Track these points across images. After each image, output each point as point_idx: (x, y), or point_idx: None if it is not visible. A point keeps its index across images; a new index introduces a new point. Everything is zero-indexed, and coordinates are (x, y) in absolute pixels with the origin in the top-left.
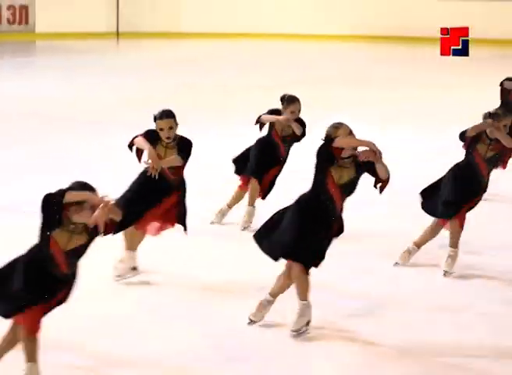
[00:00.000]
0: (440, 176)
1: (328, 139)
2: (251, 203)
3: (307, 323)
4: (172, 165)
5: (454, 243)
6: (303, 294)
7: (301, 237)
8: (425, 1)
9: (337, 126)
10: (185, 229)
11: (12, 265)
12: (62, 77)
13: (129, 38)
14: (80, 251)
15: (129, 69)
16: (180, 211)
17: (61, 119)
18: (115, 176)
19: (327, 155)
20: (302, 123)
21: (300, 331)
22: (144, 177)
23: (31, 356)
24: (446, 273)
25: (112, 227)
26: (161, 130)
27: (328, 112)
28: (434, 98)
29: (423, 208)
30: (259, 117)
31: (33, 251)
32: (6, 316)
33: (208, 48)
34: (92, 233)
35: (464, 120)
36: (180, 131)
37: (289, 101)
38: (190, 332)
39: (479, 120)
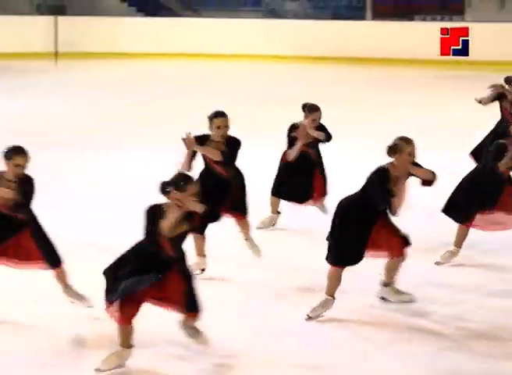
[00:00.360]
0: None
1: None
2: (273, 212)
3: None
4: (209, 155)
5: (459, 242)
6: (330, 290)
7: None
8: (362, 23)
9: (409, 141)
10: (244, 213)
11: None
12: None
13: (67, 58)
14: (183, 237)
15: (70, 89)
16: (240, 200)
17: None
18: (60, 201)
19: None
20: (322, 128)
21: (314, 318)
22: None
23: (123, 341)
24: (438, 263)
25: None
26: (218, 127)
27: (278, 133)
28: (388, 117)
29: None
30: (285, 154)
31: (143, 240)
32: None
33: (148, 68)
34: (190, 222)
35: (424, 140)
36: (128, 150)
37: (311, 109)
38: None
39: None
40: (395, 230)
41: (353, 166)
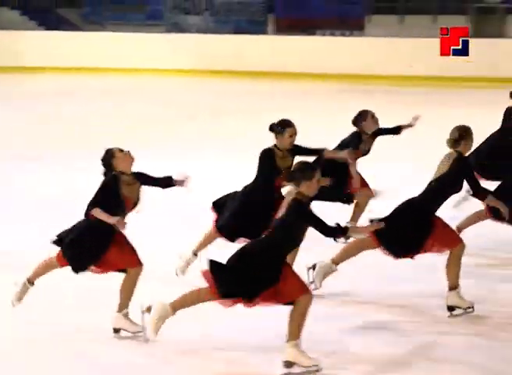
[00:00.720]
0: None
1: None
2: None
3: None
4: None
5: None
6: (341, 258)
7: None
8: (265, 37)
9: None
10: None
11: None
12: None
13: None
14: None
15: None
16: None
17: None
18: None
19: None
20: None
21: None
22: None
23: (180, 306)
24: None
25: None
26: (291, 136)
27: (192, 145)
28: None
29: None
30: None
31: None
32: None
33: (50, 82)
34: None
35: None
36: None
37: (372, 116)
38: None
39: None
40: (449, 228)
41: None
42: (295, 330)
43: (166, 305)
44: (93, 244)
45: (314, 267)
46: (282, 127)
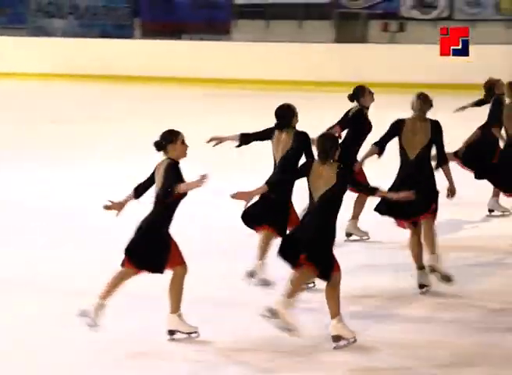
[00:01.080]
0: None
1: None
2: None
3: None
4: None
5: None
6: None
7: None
8: (131, 41)
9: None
10: None
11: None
12: None
13: None
14: None
15: None
16: None
17: None
18: None
19: None
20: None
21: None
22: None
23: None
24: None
25: None
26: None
27: (54, 149)
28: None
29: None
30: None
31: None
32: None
33: None
34: None
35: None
36: None
37: (369, 92)
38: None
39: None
40: None
41: None
42: (334, 307)
43: (281, 299)
44: (160, 243)
45: (433, 269)
46: (288, 114)
